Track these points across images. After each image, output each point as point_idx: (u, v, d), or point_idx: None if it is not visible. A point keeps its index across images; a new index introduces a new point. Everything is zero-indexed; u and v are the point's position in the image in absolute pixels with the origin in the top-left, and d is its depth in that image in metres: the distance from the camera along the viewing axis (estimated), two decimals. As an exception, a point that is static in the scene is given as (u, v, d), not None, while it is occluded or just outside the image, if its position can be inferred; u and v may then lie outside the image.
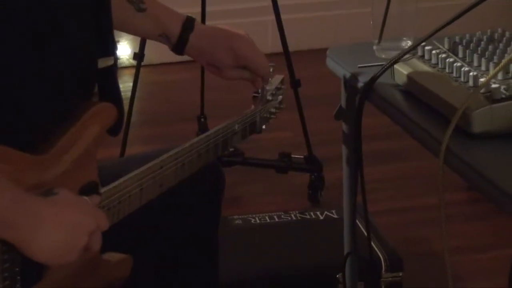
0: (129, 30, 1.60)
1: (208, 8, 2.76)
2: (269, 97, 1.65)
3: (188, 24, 1.57)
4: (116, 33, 1.38)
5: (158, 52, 2.67)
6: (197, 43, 1.57)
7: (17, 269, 1.14)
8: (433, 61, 1.45)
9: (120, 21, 1.52)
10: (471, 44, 1.46)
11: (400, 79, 1.47)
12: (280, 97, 1.68)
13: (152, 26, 1.57)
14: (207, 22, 2.47)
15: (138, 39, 2.68)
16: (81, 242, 1.16)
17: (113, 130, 1.33)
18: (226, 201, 1.68)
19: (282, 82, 1.68)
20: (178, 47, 1.58)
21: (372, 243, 2.12)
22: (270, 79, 1.64)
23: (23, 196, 1.11)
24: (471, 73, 1.35)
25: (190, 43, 1.57)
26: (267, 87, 1.63)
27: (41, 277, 1.18)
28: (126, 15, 1.54)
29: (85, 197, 1.21)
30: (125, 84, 3.02)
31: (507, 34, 1.49)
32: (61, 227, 1.14)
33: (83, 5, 1.27)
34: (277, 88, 1.67)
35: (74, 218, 1.15)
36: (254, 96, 1.63)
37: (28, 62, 1.17)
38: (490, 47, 1.43)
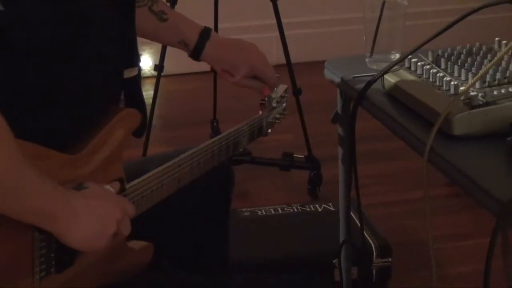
0: (153, 38, 1.60)
1: (220, 25, 2.77)
2: (274, 104, 1.65)
3: (205, 33, 1.57)
4: (139, 46, 1.38)
5: (176, 63, 2.68)
6: (212, 51, 1.57)
7: (52, 254, 1.15)
8: (419, 71, 1.45)
9: (145, 30, 1.53)
10: (452, 57, 1.46)
11: (390, 88, 1.47)
12: (284, 104, 1.68)
13: (173, 34, 1.57)
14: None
15: (159, 52, 2.68)
16: (110, 229, 1.16)
17: (137, 133, 1.33)
18: (236, 195, 1.68)
19: (286, 91, 1.68)
20: (195, 53, 1.58)
21: (364, 233, 2.12)
22: (275, 88, 1.64)
23: (59, 190, 1.11)
24: (452, 82, 1.35)
25: (206, 50, 1.57)
26: (273, 96, 1.63)
27: (74, 261, 1.18)
28: (150, 24, 1.54)
29: (110, 188, 1.21)
30: (147, 92, 3.02)
31: (484, 48, 1.49)
32: (93, 217, 1.14)
33: (111, 22, 1.27)
34: (281, 96, 1.67)
35: (103, 208, 1.16)
36: (261, 103, 1.63)
37: (64, 72, 1.17)
38: (469, 60, 1.43)
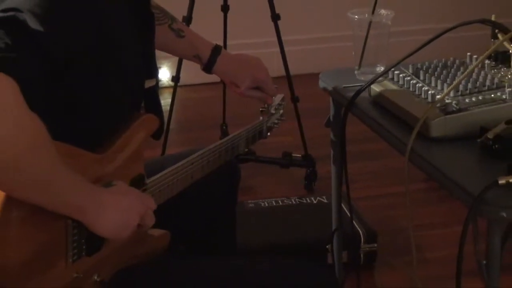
0: (171, 51, 1.61)
1: (228, 42, 2.77)
2: (273, 111, 1.65)
3: (216, 50, 1.57)
4: (159, 61, 1.38)
5: (191, 75, 2.67)
6: (222, 65, 1.57)
7: (83, 240, 1.15)
8: (401, 82, 1.44)
9: (165, 45, 1.54)
10: (430, 69, 1.46)
11: (375, 96, 1.47)
12: (281, 111, 1.69)
13: (188, 49, 1.57)
14: (228, 53, 2.47)
15: (176, 65, 2.68)
16: (133, 221, 1.16)
17: (156, 135, 1.33)
18: (242, 189, 1.68)
19: (283, 99, 1.69)
20: (207, 67, 1.58)
21: (353, 222, 2.12)
22: (273, 97, 1.64)
23: (89, 187, 1.11)
24: (429, 92, 1.35)
25: (217, 64, 1.57)
26: (272, 104, 1.64)
27: (102, 246, 1.18)
28: (169, 40, 1.55)
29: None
30: (166, 100, 3.02)
31: (457, 61, 1.49)
32: (118, 211, 1.14)
33: (134, 41, 1.27)
34: (279, 104, 1.67)
35: (127, 203, 1.16)
36: (262, 110, 1.64)
37: (94, 83, 1.16)
38: (444, 72, 1.42)
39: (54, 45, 1.05)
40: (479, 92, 1.33)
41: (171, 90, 2.73)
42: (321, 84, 1.66)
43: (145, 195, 1.23)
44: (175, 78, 2.68)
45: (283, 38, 2.66)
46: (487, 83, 1.35)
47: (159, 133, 1.33)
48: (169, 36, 1.55)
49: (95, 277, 1.19)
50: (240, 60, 1.60)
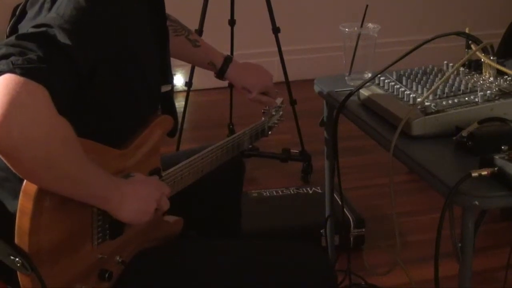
0: (188, 60, 1.61)
1: (235, 52, 2.76)
2: (274, 112, 1.65)
3: (228, 58, 1.58)
4: (174, 68, 1.37)
5: (202, 81, 2.67)
6: (233, 72, 1.57)
7: (107, 225, 1.15)
8: (386, 87, 1.44)
9: (182, 54, 1.54)
10: (411, 76, 1.45)
11: (364, 99, 1.47)
12: (281, 112, 1.68)
13: (203, 57, 1.57)
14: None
15: (189, 72, 2.68)
16: (151, 207, 1.16)
17: (171, 134, 1.33)
18: (246, 181, 1.67)
19: (282, 102, 1.69)
20: (220, 73, 1.58)
21: (344, 209, 2.12)
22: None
23: (112, 179, 1.11)
24: (411, 95, 1.34)
25: (229, 72, 1.57)
26: (273, 106, 1.64)
27: (123, 231, 1.18)
28: (186, 49, 1.55)
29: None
30: (180, 103, 3.01)
31: (435, 69, 1.48)
32: (138, 199, 1.13)
33: (152, 52, 1.26)
34: (279, 107, 1.67)
35: (145, 191, 1.15)
36: (263, 112, 1.63)
37: (118, 89, 1.15)
38: (424, 78, 1.42)
39: (81, 57, 1.04)
40: (455, 95, 1.33)
41: (185, 94, 2.72)
42: (316, 88, 1.66)
43: (160, 182, 1.23)
44: (188, 84, 2.68)
45: (282, 48, 2.65)
46: (462, 87, 1.35)
47: (174, 131, 1.33)
48: (186, 46, 1.54)
49: (117, 258, 1.19)
50: (249, 68, 1.60)
